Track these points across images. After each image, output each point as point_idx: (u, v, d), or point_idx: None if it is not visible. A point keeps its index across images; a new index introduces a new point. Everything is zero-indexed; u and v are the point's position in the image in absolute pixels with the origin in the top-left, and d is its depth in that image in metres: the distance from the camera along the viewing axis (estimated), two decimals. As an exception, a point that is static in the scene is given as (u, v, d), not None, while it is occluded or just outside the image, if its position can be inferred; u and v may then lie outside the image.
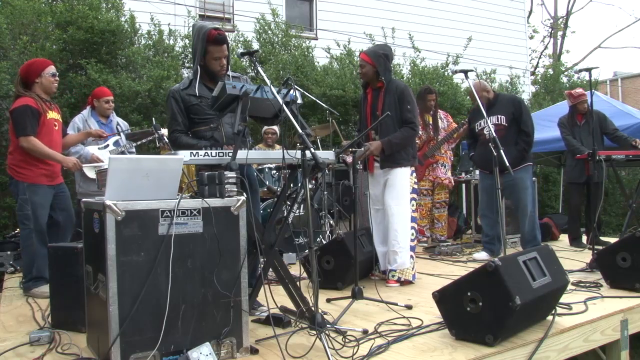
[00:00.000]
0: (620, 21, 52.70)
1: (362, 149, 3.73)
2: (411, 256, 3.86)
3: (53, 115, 3.87)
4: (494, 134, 3.98)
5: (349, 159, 3.63)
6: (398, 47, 9.30)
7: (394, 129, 3.79)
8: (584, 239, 5.66)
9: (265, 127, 5.86)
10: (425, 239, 5.99)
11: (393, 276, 3.85)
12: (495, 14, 12.47)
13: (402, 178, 3.83)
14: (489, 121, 4.15)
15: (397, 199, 3.80)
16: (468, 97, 5.56)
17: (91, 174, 4.43)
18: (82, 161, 4.18)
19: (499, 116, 4.78)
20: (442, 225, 5.94)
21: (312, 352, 2.33)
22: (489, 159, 4.08)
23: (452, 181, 5.97)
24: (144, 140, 4.58)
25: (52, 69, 3.86)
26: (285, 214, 3.32)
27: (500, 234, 4.46)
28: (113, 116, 4.92)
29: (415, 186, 3.97)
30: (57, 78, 3.92)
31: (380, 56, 3.84)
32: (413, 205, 3.90)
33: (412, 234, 3.89)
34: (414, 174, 3.94)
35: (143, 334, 2.14)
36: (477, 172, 6.51)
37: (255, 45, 8.22)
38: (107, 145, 4.59)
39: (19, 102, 3.68)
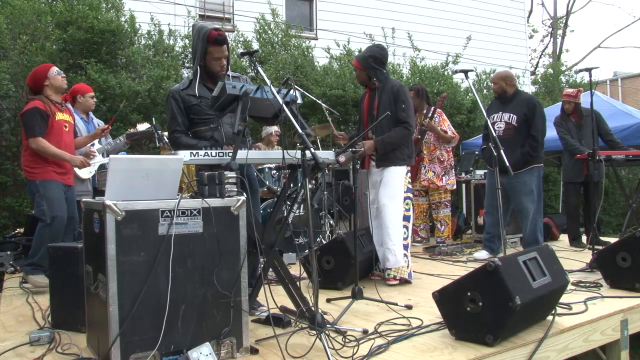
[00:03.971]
0: (620, 21, 52.66)
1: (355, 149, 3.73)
2: (405, 255, 3.87)
3: (63, 116, 3.98)
4: (494, 134, 3.98)
5: (342, 158, 3.62)
6: (398, 47, 9.30)
7: (388, 129, 3.80)
8: (584, 239, 5.65)
9: (272, 129, 5.84)
10: (420, 238, 5.97)
11: (389, 274, 3.86)
12: (495, 14, 12.47)
13: (397, 177, 3.84)
14: (490, 119, 4.15)
15: (390, 197, 3.81)
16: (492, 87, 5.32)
17: (84, 174, 4.43)
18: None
19: (511, 115, 4.71)
20: (438, 227, 5.84)
21: (312, 352, 2.33)
22: (492, 157, 4.08)
23: (436, 183, 5.66)
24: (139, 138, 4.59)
25: (55, 68, 3.99)
26: (285, 214, 3.32)
27: (500, 233, 4.45)
28: (91, 113, 4.89)
29: (410, 186, 3.98)
30: (64, 75, 4.04)
31: (367, 59, 3.89)
32: (408, 204, 3.91)
33: (405, 233, 3.89)
34: (409, 174, 3.95)
35: (143, 334, 2.13)
36: (477, 172, 6.53)
37: (255, 45, 8.22)
38: (93, 144, 4.58)
39: (28, 106, 3.82)
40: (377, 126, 3.73)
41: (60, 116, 3.92)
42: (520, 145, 4.63)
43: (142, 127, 4.62)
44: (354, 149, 3.51)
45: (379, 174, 3.91)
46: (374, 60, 3.88)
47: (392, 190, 3.82)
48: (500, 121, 4.75)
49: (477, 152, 6.80)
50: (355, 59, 4.03)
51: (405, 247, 3.89)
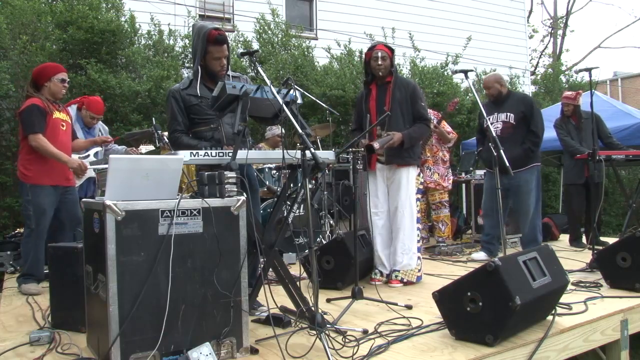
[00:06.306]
0: (620, 21, 52.57)
1: (386, 137, 3.68)
2: (418, 257, 3.87)
3: (60, 115, 3.96)
4: (494, 134, 3.97)
5: (376, 144, 3.56)
6: (398, 47, 9.29)
7: (403, 125, 3.80)
8: (584, 239, 5.66)
9: (278, 131, 5.84)
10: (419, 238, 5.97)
11: (396, 276, 3.85)
12: (495, 14, 12.47)
13: (410, 178, 3.83)
14: (488, 120, 4.14)
15: (407, 200, 3.80)
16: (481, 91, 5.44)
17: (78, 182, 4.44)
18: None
19: (508, 114, 4.74)
20: (439, 227, 5.85)
21: (312, 352, 2.33)
22: (492, 157, 4.07)
23: (441, 184, 5.71)
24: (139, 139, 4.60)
25: (62, 75, 3.93)
26: (285, 214, 3.32)
27: (500, 235, 4.45)
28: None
29: (421, 186, 3.97)
30: (67, 84, 3.99)
31: (391, 49, 3.95)
32: (417, 205, 3.91)
33: (417, 235, 3.89)
34: (421, 174, 3.96)
35: (143, 334, 2.14)
36: (477, 172, 6.53)
37: (255, 45, 8.22)
38: (88, 156, 4.58)
39: (26, 104, 3.80)
40: (393, 123, 3.73)
41: (57, 115, 3.89)
42: (521, 143, 4.65)
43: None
44: (387, 133, 3.49)
45: (390, 175, 3.87)
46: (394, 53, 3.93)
47: (408, 193, 3.81)
48: (497, 121, 4.77)
49: (476, 152, 6.81)
50: (384, 45, 3.93)
51: (418, 249, 3.89)
